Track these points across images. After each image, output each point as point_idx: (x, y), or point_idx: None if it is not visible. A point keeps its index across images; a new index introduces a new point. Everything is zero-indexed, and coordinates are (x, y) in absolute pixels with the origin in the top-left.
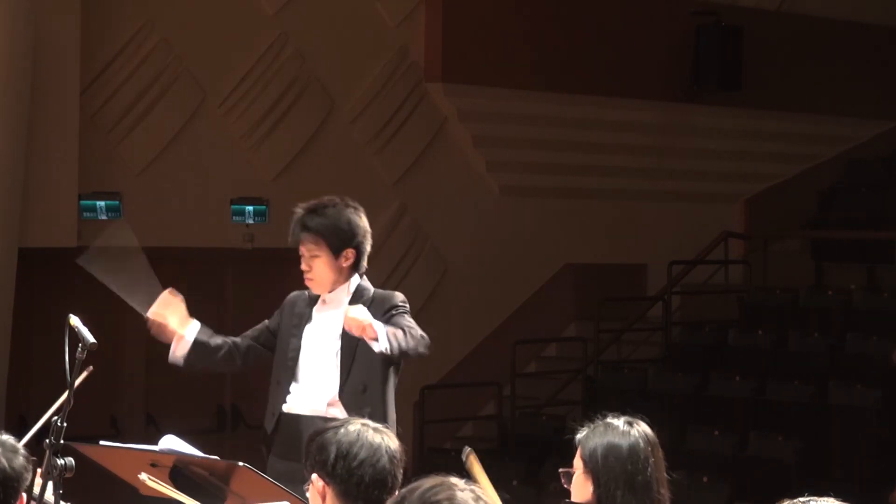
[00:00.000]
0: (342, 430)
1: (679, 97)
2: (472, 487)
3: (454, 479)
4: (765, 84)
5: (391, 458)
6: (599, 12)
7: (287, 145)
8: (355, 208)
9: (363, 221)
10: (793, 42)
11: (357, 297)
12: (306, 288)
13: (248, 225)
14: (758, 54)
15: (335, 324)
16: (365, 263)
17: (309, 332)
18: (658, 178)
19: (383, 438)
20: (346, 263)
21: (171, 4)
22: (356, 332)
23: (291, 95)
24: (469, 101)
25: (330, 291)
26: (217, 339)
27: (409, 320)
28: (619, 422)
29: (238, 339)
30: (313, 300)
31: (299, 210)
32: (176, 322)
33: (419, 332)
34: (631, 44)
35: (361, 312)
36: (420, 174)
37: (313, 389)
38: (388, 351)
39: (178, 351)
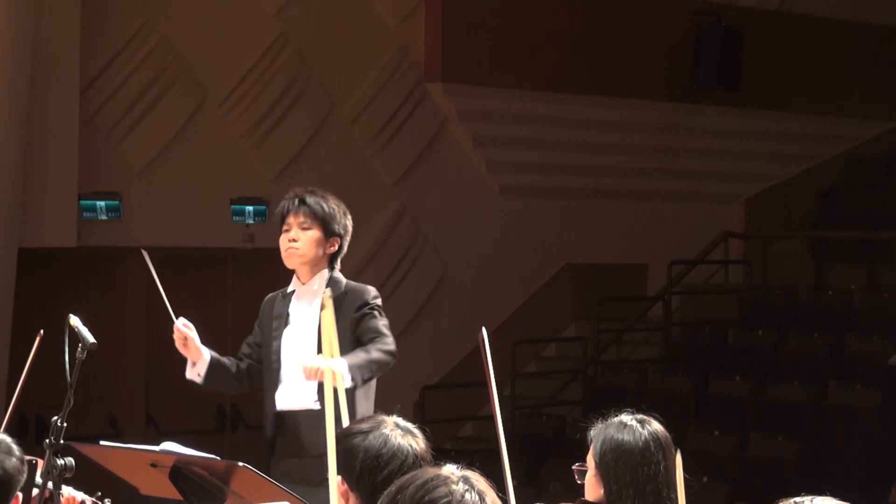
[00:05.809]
0: (370, 435)
1: (679, 97)
2: (466, 475)
3: (447, 472)
4: (765, 84)
5: (419, 467)
6: (599, 12)
7: (287, 145)
8: (346, 209)
9: (350, 223)
10: (793, 42)
11: (331, 288)
12: (282, 287)
13: (248, 225)
14: (758, 54)
15: (312, 317)
16: (339, 262)
17: (288, 333)
18: (658, 178)
19: (411, 444)
20: (329, 250)
21: (171, 4)
22: (314, 378)
23: (291, 95)
24: (469, 101)
25: (305, 284)
26: (225, 360)
27: (379, 323)
28: (633, 421)
29: (238, 362)
30: (288, 298)
31: (297, 189)
32: (197, 341)
33: (387, 341)
34: (631, 44)
35: (315, 360)
36: (420, 174)
37: (300, 385)
38: (357, 386)
39: (198, 368)
